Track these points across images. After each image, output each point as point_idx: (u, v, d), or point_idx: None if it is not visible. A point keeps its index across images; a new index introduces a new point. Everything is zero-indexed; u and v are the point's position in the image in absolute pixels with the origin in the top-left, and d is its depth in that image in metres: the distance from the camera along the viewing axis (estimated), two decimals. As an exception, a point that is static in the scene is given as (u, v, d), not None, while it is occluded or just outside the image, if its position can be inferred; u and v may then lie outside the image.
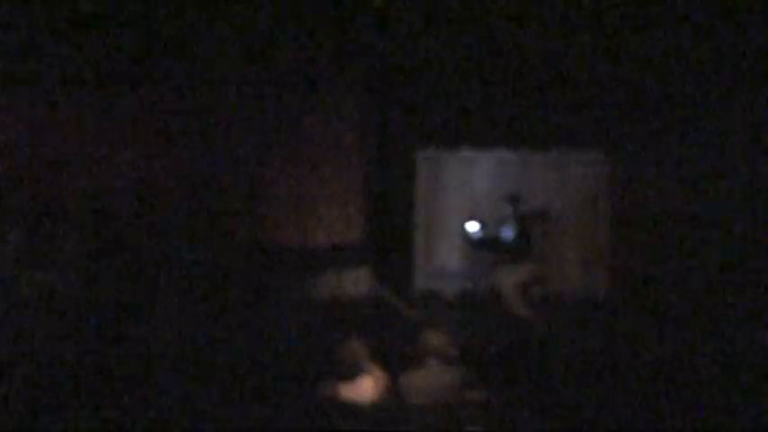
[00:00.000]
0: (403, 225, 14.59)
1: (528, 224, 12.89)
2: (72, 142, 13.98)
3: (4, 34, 13.33)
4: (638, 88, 14.10)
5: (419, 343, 8.71)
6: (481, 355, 10.97)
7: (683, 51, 13.81)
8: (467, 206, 14.14)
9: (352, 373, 8.38)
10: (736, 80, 13.93)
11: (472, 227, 13.28)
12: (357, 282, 14.25)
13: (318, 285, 14.01)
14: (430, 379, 8.47)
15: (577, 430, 9.09)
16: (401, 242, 14.58)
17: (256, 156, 14.59)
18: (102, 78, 13.86)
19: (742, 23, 13.55)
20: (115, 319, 12.66)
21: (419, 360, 8.61)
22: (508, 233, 12.79)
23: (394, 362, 9.33)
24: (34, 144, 13.84)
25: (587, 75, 14.29)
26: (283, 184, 14.63)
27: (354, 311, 13.69)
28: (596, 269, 14.28)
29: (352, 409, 8.08)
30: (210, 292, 13.45)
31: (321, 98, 14.64)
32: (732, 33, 13.67)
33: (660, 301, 13.23)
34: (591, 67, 14.23)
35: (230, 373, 10.60)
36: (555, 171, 14.32)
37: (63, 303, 13.04)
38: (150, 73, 14.01)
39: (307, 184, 14.71)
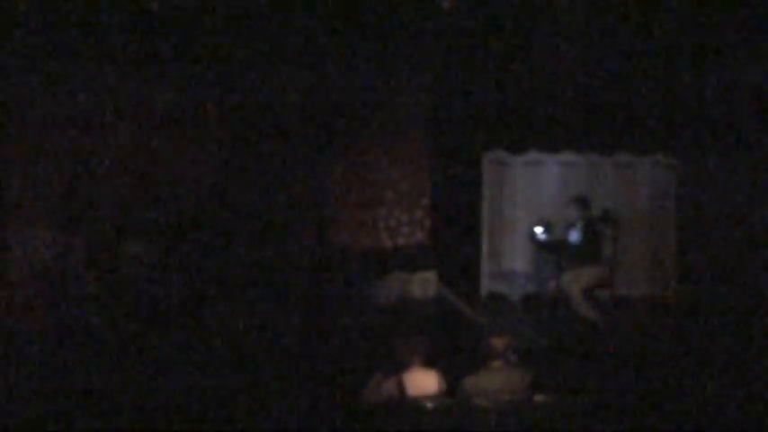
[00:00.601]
0: (469, 227, 14.60)
1: (596, 227, 12.83)
2: (143, 143, 14.14)
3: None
4: (703, 92, 14.02)
5: (484, 345, 8.73)
6: (547, 357, 10.97)
7: (748, 56, 13.72)
8: (533, 209, 14.12)
9: (416, 374, 8.42)
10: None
11: (539, 229, 13.26)
12: (423, 284, 14.27)
13: (384, 287, 14.05)
14: (495, 381, 8.49)
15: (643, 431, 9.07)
16: (467, 244, 14.59)
17: (322, 158, 14.67)
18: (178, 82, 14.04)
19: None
20: (181, 316, 12.80)
21: (484, 362, 8.62)
22: (576, 236, 12.75)
23: (459, 363, 9.35)
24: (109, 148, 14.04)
25: (653, 78, 14.23)
26: (350, 187, 14.69)
27: (420, 313, 13.72)
28: (663, 271, 14.21)
29: (416, 410, 8.12)
30: (277, 292, 13.55)
31: (388, 100, 14.69)
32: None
33: (726, 302, 13.14)
34: (655, 71, 14.17)
35: (296, 372, 10.68)
36: (621, 174, 14.27)
37: (130, 301, 13.22)
38: (222, 77, 14.14)
39: (373, 187, 14.76)
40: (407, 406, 8.13)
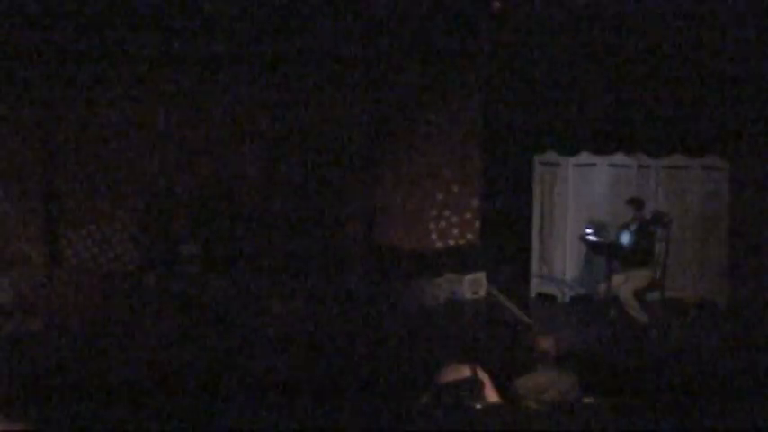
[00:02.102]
0: (519, 229, 14.58)
1: (648, 229, 12.77)
2: (196, 144, 14.23)
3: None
4: (756, 94, 13.93)
5: (533, 346, 8.73)
6: (596, 358, 10.94)
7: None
8: (583, 211, 14.08)
9: (466, 374, 8.42)
10: None
11: (590, 231, 13.21)
12: (472, 285, 14.27)
13: (435, 288, 14.06)
14: (544, 382, 8.48)
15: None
16: (517, 246, 14.57)
17: (374, 159, 14.70)
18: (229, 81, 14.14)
19: None
20: (228, 315, 12.86)
21: (533, 363, 8.62)
22: (628, 238, 12.68)
23: (508, 364, 9.35)
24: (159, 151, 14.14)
25: (706, 81, 14.15)
26: (401, 188, 14.71)
27: (470, 314, 13.72)
28: (714, 273, 14.13)
29: (465, 411, 8.13)
30: (328, 293, 13.58)
31: (440, 102, 14.70)
32: None
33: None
34: (708, 74, 14.09)
35: (345, 371, 10.70)
36: (673, 176, 14.20)
37: (181, 299, 13.30)
38: (280, 82, 14.22)
39: (424, 188, 14.77)
40: (458, 407, 8.14)
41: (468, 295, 14.28)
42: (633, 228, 12.69)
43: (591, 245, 13.29)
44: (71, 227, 13.89)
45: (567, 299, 14.21)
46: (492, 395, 8.46)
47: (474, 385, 8.42)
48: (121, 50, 13.57)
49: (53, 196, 13.76)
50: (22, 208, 13.59)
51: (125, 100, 13.90)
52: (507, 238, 14.71)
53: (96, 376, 10.67)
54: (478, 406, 8.20)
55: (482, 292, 14.38)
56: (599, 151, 14.27)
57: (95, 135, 13.90)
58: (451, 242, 14.92)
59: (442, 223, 14.95)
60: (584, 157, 14.18)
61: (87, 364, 11.25)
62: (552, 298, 14.29)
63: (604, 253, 12.98)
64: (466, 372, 8.45)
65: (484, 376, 8.48)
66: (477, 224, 14.96)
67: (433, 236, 14.93)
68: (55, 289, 13.42)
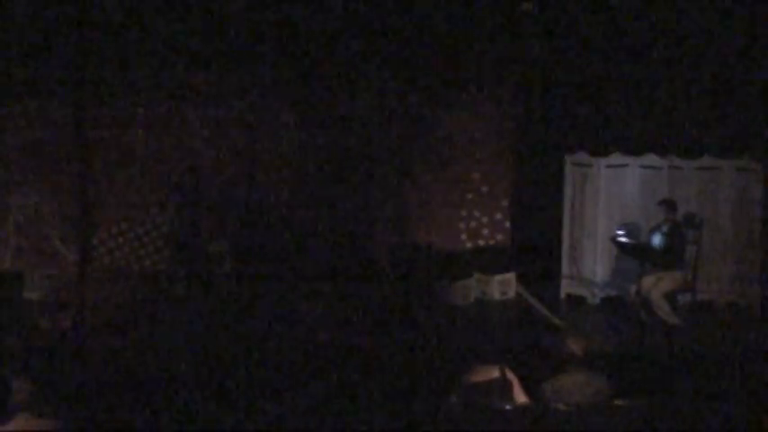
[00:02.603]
0: (549, 229, 14.54)
1: (680, 230, 12.71)
2: (226, 143, 14.27)
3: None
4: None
5: (563, 348, 8.69)
6: (626, 360, 10.89)
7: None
8: (614, 212, 14.02)
9: (495, 375, 8.40)
10: None
11: (620, 232, 13.17)
12: (502, 285, 14.26)
13: (464, 288, 14.05)
14: (574, 384, 8.45)
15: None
16: (547, 246, 14.53)
17: (404, 159, 14.70)
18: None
19: None
20: (261, 315, 12.88)
21: (563, 365, 8.59)
22: (660, 239, 12.63)
23: (538, 365, 9.32)
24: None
25: (739, 82, 14.08)
26: (432, 188, 14.71)
27: (499, 315, 13.70)
28: (746, 276, 14.05)
29: (493, 412, 8.11)
30: (358, 292, 13.59)
31: (471, 103, 14.69)
32: None
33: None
34: (741, 74, 14.02)
35: (373, 371, 10.70)
36: (705, 178, 14.12)
37: (213, 299, 13.35)
38: (303, 77, 14.25)
39: (455, 188, 14.76)
40: (486, 407, 8.11)
41: (498, 296, 14.26)
42: (665, 229, 12.63)
43: (621, 246, 13.23)
44: (103, 225, 13.95)
45: (597, 300, 14.16)
46: (520, 396, 8.43)
47: (502, 386, 8.40)
48: (153, 51, 13.63)
49: (86, 195, 13.83)
50: (55, 207, 13.67)
51: (157, 101, 13.95)
52: (537, 238, 14.66)
53: (126, 374, 10.72)
54: (507, 407, 8.18)
55: (511, 293, 14.36)
56: (631, 152, 14.21)
57: (128, 135, 13.96)
58: (481, 242, 14.91)
59: (472, 223, 14.94)
60: (616, 157, 14.12)
61: (117, 361, 11.30)
62: (582, 299, 14.24)
63: (635, 254, 12.92)
64: (494, 373, 8.42)
65: (512, 377, 8.45)
66: (507, 224, 14.94)
67: (463, 236, 14.92)
68: (86, 286, 13.50)
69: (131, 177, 14.02)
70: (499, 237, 14.97)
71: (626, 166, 14.11)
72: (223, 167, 14.25)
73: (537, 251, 14.60)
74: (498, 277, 14.33)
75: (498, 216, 14.95)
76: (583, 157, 14.34)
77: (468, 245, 14.90)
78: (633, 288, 12.76)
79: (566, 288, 14.48)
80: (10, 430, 7.56)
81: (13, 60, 13.27)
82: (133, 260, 14.08)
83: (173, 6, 13.11)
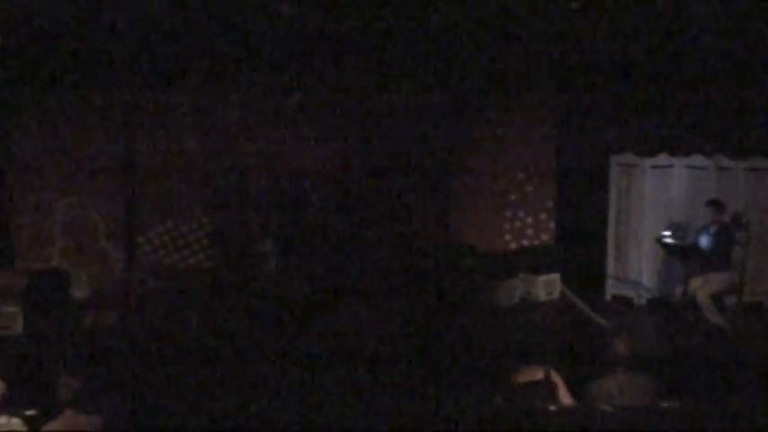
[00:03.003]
0: (594, 230, 14.49)
1: (728, 232, 12.62)
2: (272, 142, 14.31)
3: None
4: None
5: (608, 349, 8.66)
6: (672, 362, 10.84)
7: None
8: (660, 212, 13.95)
9: (539, 377, 8.38)
10: None
11: (667, 233, 13.11)
12: (547, 286, 14.22)
13: (509, 288, 14.03)
14: (619, 386, 8.42)
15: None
16: (592, 247, 14.48)
17: (449, 159, 14.70)
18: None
19: None
20: (306, 315, 12.91)
21: (608, 366, 8.56)
22: (707, 240, 12.55)
23: (584, 367, 9.29)
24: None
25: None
26: (476, 188, 14.69)
27: (544, 315, 13.67)
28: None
29: (538, 412, 8.09)
30: (403, 292, 13.60)
31: (515, 102, 14.66)
32: None
33: None
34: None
35: (417, 371, 10.69)
36: (753, 178, 14.02)
37: (255, 298, 13.38)
38: (347, 74, 14.28)
39: (499, 188, 14.74)
40: (531, 408, 8.10)
41: (543, 296, 14.23)
42: (713, 231, 12.55)
43: (668, 247, 13.17)
44: (148, 224, 14.03)
45: (643, 301, 14.09)
46: (566, 398, 8.41)
47: (548, 387, 8.38)
48: (197, 52, 13.69)
49: (131, 194, 13.91)
50: (101, 205, 13.75)
51: (201, 100, 14.02)
52: (582, 239, 14.61)
53: (170, 371, 10.77)
54: (552, 408, 8.16)
55: (556, 294, 14.33)
56: (677, 152, 14.13)
57: (173, 134, 14.03)
58: (526, 243, 14.88)
59: (517, 224, 14.91)
60: (662, 158, 14.05)
61: (161, 358, 11.36)
62: (628, 300, 14.18)
63: (682, 256, 12.85)
64: (539, 374, 8.41)
65: (557, 378, 8.44)
66: (552, 225, 14.89)
67: (508, 236, 14.89)
68: (131, 285, 13.57)
69: (177, 176, 14.08)
70: (544, 237, 14.92)
71: (672, 166, 14.03)
72: (269, 167, 14.28)
73: (582, 251, 14.55)
74: (543, 278, 14.29)
75: (543, 216, 14.91)
76: (628, 157, 14.28)
77: (513, 245, 14.87)
78: (679, 289, 12.69)
79: (611, 289, 14.42)
80: (56, 426, 7.63)
81: (60, 61, 13.36)
82: (178, 259, 14.14)
83: (218, 6, 13.16)
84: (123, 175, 13.88)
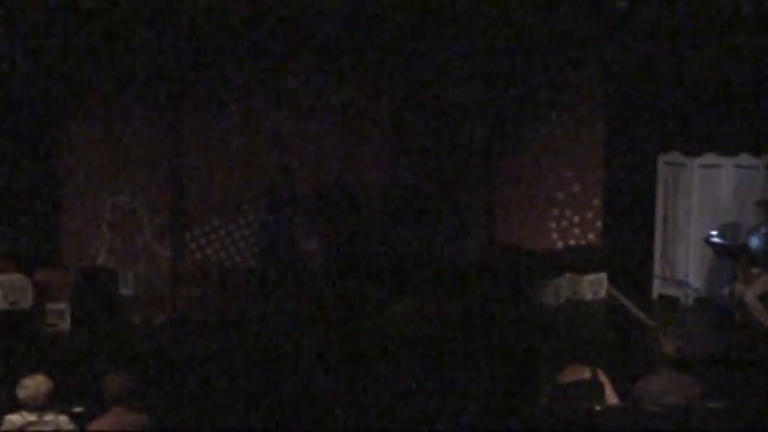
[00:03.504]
0: (641, 229, 14.42)
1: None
2: (317, 141, 14.35)
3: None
4: None
5: (655, 349, 8.62)
6: (719, 362, 10.77)
7: None
8: (707, 212, 13.85)
9: (587, 376, 8.36)
10: None
11: (715, 233, 13.03)
12: (593, 285, 14.17)
13: (555, 287, 13.99)
14: (665, 385, 8.37)
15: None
16: (639, 246, 14.41)
17: (495, 158, 14.68)
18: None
19: None
20: (352, 313, 12.93)
21: (655, 366, 8.52)
22: (757, 241, 12.46)
23: (630, 366, 9.26)
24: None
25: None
26: (523, 187, 14.66)
27: (590, 315, 13.62)
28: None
29: (584, 412, 8.07)
30: (449, 290, 13.59)
31: (562, 101, 14.62)
32: None
33: None
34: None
35: (464, 371, 10.69)
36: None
37: (304, 298, 13.42)
38: (393, 75, 14.30)
39: (546, 187, 14.70)
40: (577, 408, 8.08)
41: (589, 296, 14.18)
42: (764, 231, 12.46)
43: (716, 247, 13.09)
44: (195, 222, 14.10)
45: (690, 301, 14.00)
46: (612, 397, 8.39)
47: (594, 387, 8.36)
48: (245, 50, 13.75)
49: (178, 192, 13.98)
50: (148, 204, 13.83)
51: (247, 99, 14.07)
52: (629, 238, 14.54)
53: (217, 370, 10.82)
54: (597, 407, 8.13)
55: (603, 293, 14.27)
56: (725, 152, 14.03)
57: (219, 133, 14.09)
58: (572, 242, 14.83)
59: (564, 223, 14.86)
60: (710, 157, 13.96)
61: (209, 357, 11.41)
62: (675, 300, 14.10)
63: (731, 256, 12.77)
64: (586, 373, 8.39)
65: (604, 378, 8.41)
66: (599, 224, 14.83)
67: (554, 235, 14.85)
68: (178, 283, 13.64)
69: (224, 175, 14.14)
70: (591, 236, 14.86)
71: (720, 166, 13.94)
72: (316, 166, 14.32)
73: (629, 251, 14.49)
74: (590, 277, 14.24)
75: (590, 215, 14.85)
76: (676, 156, 14.19)
77: (560, 244, 14.82)
78: (727, 289, 12.62)
79: (658, 288, 14.34)
80: (104, 424, 7.68)
81: (109, 61, 13.44)
82: (225, 257, 14.20)
83: (267, 8, 13.21)
84: (170, 173, 13.94)
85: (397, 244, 14.25)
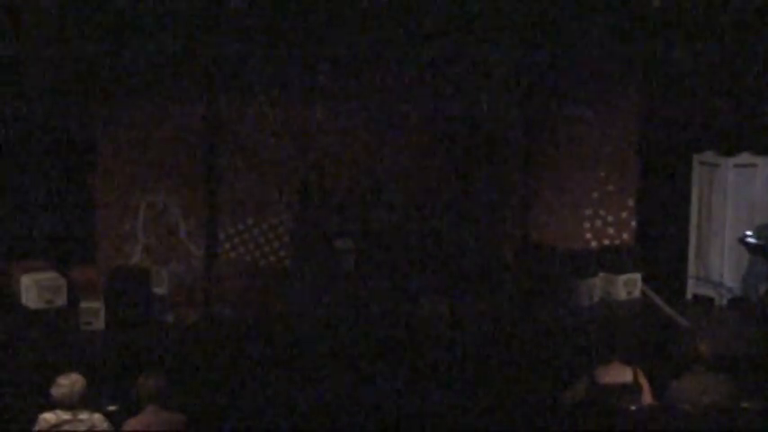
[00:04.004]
0: (675, 229, 14.36)
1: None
2: (350, 140, 14.36)
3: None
4: None
5: (689, 349, 8.60)
6: (754, 362, 10.72)
7: None
8: (743, 212, 13.79)
9: (628, 378, 8.36)
10: None
11: (750, 233, 12.98)
12: (627, 285, 14.12)
13: (589, 287, 13.95)
14: (700, 385, 8.35)
15: None
16: (673, 246, 14.36)
17: (529, 157, 14.66)
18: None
19: None
20: (385, 312, 12.94)
21: (689, 366, 8.50)
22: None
23: (664, 366, 9.24)
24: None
25: None
26: (557, 186, 14.63)
27: (624, 315, 13.58)
28: None
29: (620, 412, 8.06)
30: (481, 292, 13.58)
31: (596, 99, 14.57)
32: None
33: None
34: None
35: (498, 371, 10.69)
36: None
37: (337, 296, 13.44)
38: (426, 72, 14.29)
39: (581, 187, 14.66)
40: (607, 407, 8.07)
41: (623, 296, 14.13)
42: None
43: (751, 247, 13.04)
44: (229, 221, 14.13)
45: (725, 301, 13.94)
46: (648, 398, 8.38)
47: (634, 389, 8.36)
48: (274, 52, 13.77)
49: (212, 191, 14.02)
50: (182, 202, 13.87)
51: (280, 99, 14.09)
52: (663, 238, 14.49)
53: (251, 369, 10.85)
54: (633, 408, 8.13)
55: (637, 293, 14.22)
56: (761, 151, 13.96)
57: (253, 131, 14.12)
58: (606, 242, 14.77)
59: (598, 222, 14.81)
60: (745, 157, 13.89)
61: (242, 356, 11.45)
62: (709, 300, 14.04)
63: (765, 255, 12.72)
64: (628, 376, 8.38)
65: (643, 379, 8.41)
66: (633, 224, 14.78)
67: (588, 235, 14.80)
68: (212, 282, 13.69)
69: (258, 174, 14.17)
70: (625, 236, 14.80)
71: (755, 165, 13.87)
72: (349, 165, 14.33)
73: (663, 251, 14.44)
74: (624, 277, 14.19)
75: (624, 215, 14.79)
76: (711, 156, 14.14)
77: (594, 244, 14.77)
78: (761, 289, 12.57)
79: (692, 288, 14.29)
80: (139, 423, 7.72)
81: (144, 60, 13.49)
82: (258, 256, 14.23)
83: (302, 7, 13.23)
84: (204, 172, 13.99)
85: (430, 243, 14.23)
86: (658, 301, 13.79)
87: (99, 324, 12.55)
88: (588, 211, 14.72)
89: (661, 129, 14.59)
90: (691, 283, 14.30)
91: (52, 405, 7.68)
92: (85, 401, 7.71)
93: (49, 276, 12.87)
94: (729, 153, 14.00)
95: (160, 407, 7.76)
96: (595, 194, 14.70)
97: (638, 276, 14.28)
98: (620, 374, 8.41)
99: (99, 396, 8.13)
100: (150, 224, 13.80)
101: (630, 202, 14.79)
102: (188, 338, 12.33)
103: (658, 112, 14.61)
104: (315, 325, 12.62)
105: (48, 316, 12.53)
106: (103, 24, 13.06)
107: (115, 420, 7.85)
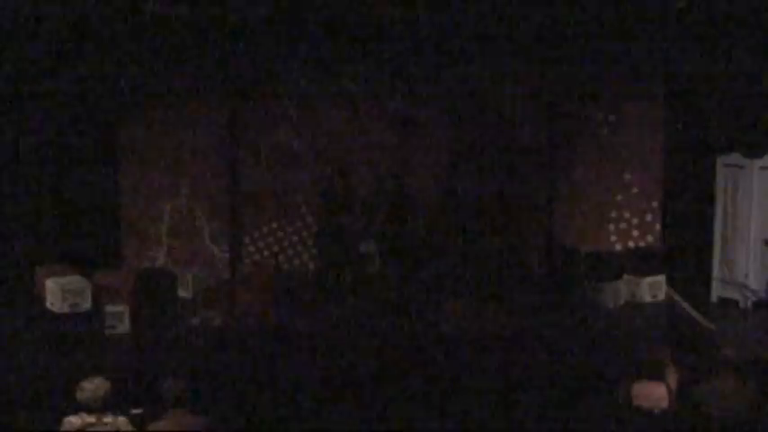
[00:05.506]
0: (700, 231, 14.31)
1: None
2: (374, 142, 14.39)
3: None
4: None
5: (714, 352, 8.57)
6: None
7: None
8: (768, 214, 13.75)
9: (661, 391, 8.32)
10: None
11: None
12: (652, 288, 14.07)
13: (614, 290, 13.92)
14: (724, 389, 8.32)
15: None
16: (698, 249, 14.31)
17: (554, 159, 14.64)
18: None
19: None
20: (409, 315, 12.93)
21: (714, 369, 8.46)
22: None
23: (689, 370, 9.19)
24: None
25: None
26: (582, 189, 14.61)
27: (649, 317, 13.54)
28: None
29: (646, 415, 8.03)
30: (506, 294, 13.56)
31: (621, 101, 14.55)
32: None
33: None
34: None
35: (521, 373, 10.67)
36: None
37: (362, 298, 13.45)
38: (450, 75, 14.30)
39: (605, 189, 14.63)
40: (635, 410, 8.03)
41: (648, 298, 14.09)
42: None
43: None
44: (253, 225, 14.17)
45: (750, 304, 13.88)
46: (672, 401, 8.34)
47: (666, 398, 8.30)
48: (301, 57, 13.80)
49: (237, 196, 14.06)
50: (207, 207, 13.92)
51: (306, 103, 14.13)
52: (688, 240, 14.44)
53: (275, 372, 10.87)
54: (655, 411, 8.08)
55: (661, 296, 14.17)
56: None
57: (278, 136, 14.16)
58: (631, 244, 14.75)
59: (622, 224, 14.79)
60: (769, 158, 13.85)
61: (267, 359, 11.46)
62: (734, 303, 13.98)
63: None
64: (662, 390, 8.27)
65: (671, 393, 8.34)
66: (658, 226, 14.74)
67: (613, 237, 14.78)
68: (236, 286, 13.71)
69: (282, 178, 14.21)
70: (649, 238, 14.78)
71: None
72: (373, 168, 14.35)
73: (688, 253, 14.39)
74: (648, 279, 14.14)
75: (649, 217, 14.77)
76: (736, 157, 14.08)
77: (618, 246, 14.75)
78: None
79: (717, 291, 14.23)
80: (163, 426, 7.74)
81: (169, 66, 13.55)
82: (282, 260, 14.26)
83: (324, 7, 13.25)
84: (228, 177, 14.03)
85: (454, 246, 14.23)
86: (683, 303, 13.74)
87: (123, 327, 12.58)
88: (613, 214, 14.71)
89: (685, 131, 14.54)
90: (715, 285, 14.24)
91: (77, 408, 7.71)
92: (110, 405, 7.74)
93: (74, 280, 12.95)
94: (754, 155, 13.94)
95: (185, 410, 7.77)
96: (620, 197, 14.68)
97: (662, 279, 14.23)
98: (655, 393, 8.26)
99: (123, 399, 8.15)
100: (175, 228, 13.86)
101: (655, 204, 14.77)
102: (213, 342, 12.34)
103: (683, 114, 14.57)
104: (340, 329, 12.63)
105: (72, 320, 12.59)
106: (128, 29, 13.11)
107: (140, 424, 7.87)
